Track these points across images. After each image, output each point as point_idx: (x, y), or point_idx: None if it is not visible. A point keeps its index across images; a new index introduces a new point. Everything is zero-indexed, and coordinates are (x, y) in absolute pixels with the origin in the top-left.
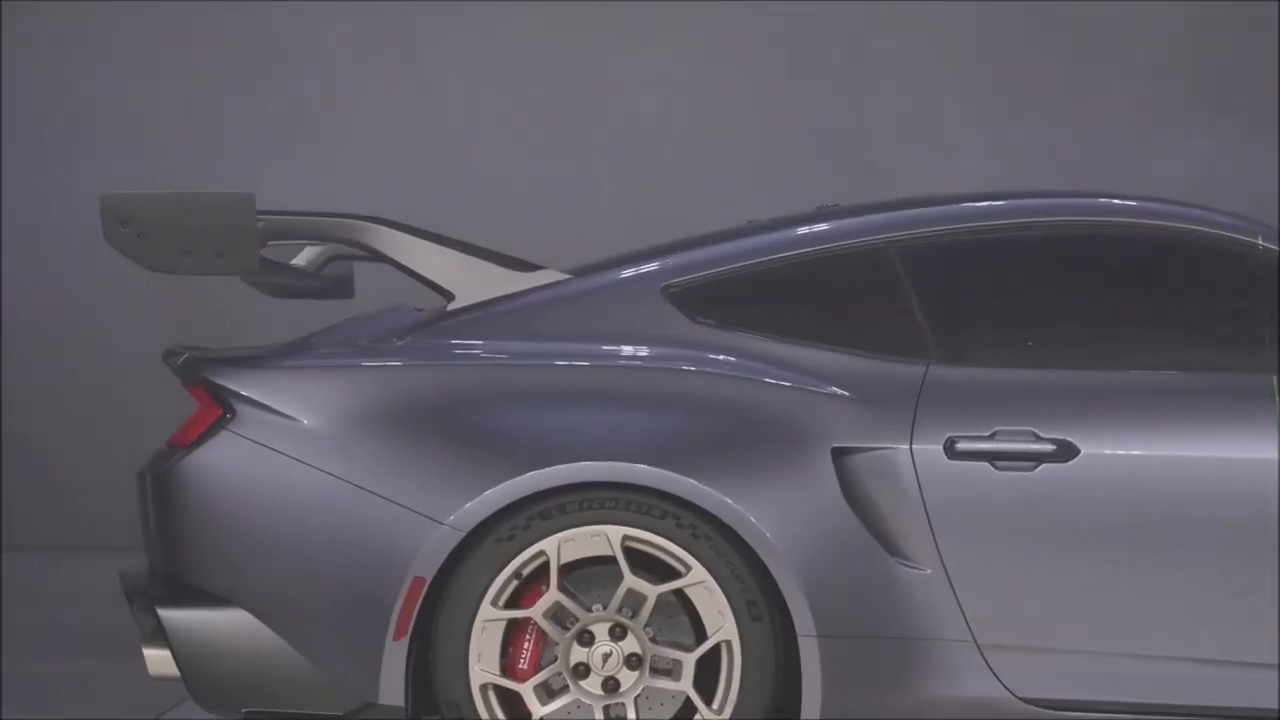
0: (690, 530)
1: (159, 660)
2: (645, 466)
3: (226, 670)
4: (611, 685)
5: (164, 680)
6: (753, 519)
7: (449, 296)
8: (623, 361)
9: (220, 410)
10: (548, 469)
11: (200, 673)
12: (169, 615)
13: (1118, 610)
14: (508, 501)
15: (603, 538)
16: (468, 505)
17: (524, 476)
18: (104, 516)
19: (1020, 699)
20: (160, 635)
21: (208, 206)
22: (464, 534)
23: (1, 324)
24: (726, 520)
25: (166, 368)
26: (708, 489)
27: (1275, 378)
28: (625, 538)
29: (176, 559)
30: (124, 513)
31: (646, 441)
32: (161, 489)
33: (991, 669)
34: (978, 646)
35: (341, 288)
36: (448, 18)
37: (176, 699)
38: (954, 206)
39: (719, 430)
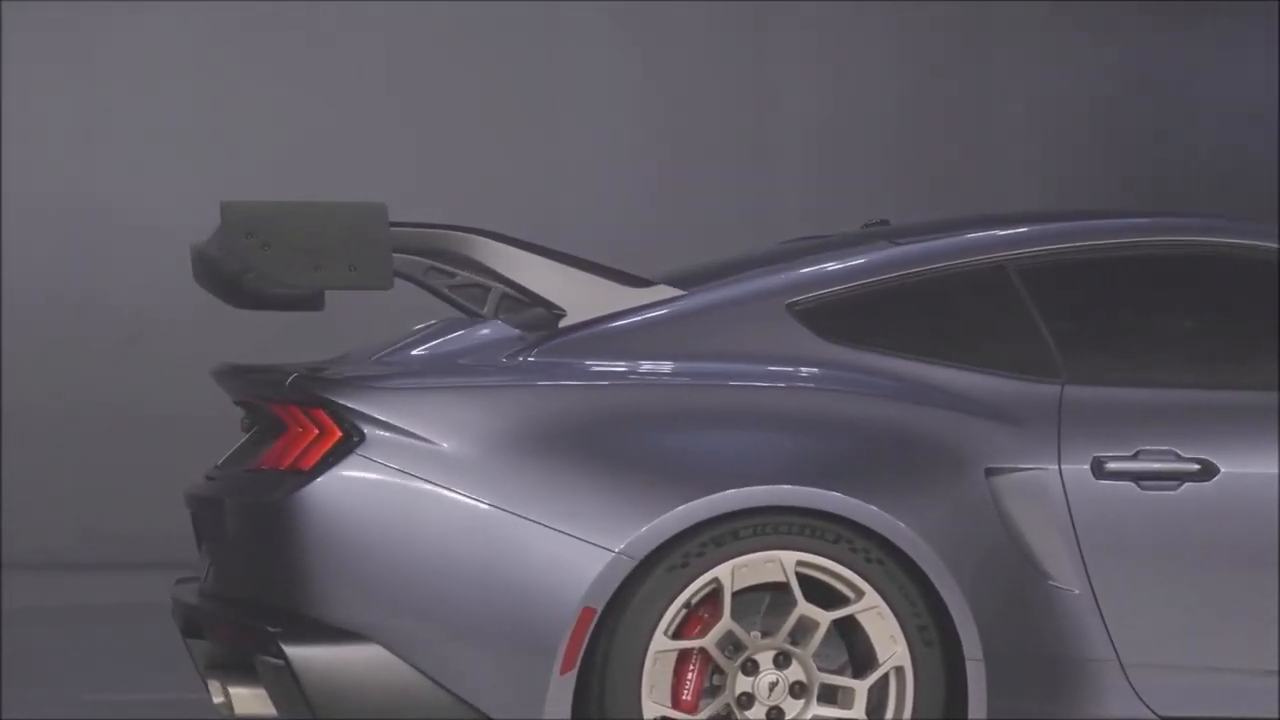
0: (864, 555)
1: (248, 699)
2: (824, 491)
3: (362, 709)
4: (775, 715)
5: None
6: (926, 543)
7: (560, 313)
8: (768, 382)
9: (341, 433)
10: (725, 493)
11: (332, 713)
12: (296, 653)
13: (1257, 628)
14: (683, 527)
15: (776, 563)
16: (640, 531)
17: (700, 501)
18: (105, 534)
19: (1161, 717)
20: (221, 670)
21: (340, 218)
22: (636, 562)
23: (1, 337)
24: (900, 544)
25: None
26: (886, 513)
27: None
28: (798, 563)
29: (293, 592)
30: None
31: (814, 465)
32: (274, 517)
33: (1134, 688)
34: (1121, 666)
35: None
36: None
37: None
38: (1081, 224)
39: (880, 453)
